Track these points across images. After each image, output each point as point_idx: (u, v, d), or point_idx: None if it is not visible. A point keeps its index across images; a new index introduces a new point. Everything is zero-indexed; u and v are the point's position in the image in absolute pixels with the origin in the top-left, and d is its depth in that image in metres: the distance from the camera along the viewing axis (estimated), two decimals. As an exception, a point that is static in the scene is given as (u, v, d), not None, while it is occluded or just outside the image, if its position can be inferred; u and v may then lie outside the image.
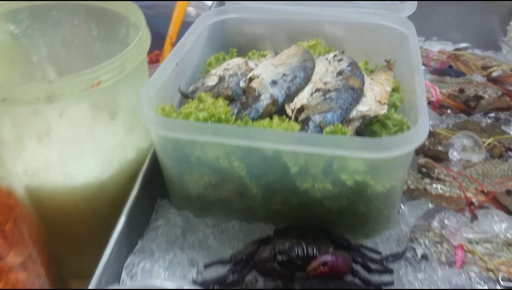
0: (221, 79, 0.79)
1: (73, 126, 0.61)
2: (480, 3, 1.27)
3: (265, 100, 0.71)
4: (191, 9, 1.30)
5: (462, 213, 0.75)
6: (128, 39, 0.78)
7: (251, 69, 0.83)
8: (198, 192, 0.71)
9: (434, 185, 0.77)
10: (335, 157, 0.60)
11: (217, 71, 0.83)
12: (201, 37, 0.89)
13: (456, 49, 1.09)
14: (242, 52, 0.96)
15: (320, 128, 0.66)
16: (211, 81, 0.80)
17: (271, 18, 0.93)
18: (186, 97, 0.77)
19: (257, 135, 0.60)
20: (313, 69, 0.81)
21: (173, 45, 1.22)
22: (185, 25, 1.23)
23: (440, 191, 0.76)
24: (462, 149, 0.83)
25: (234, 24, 0.94)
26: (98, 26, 0.80)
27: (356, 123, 0.70)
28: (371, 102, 0.73)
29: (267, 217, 0.71)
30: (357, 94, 0.72)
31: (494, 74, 1.01)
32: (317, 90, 0.74)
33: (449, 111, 0.93)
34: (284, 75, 0.75)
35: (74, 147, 0.62)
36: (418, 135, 0.58)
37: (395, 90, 0.84)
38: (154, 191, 0.77)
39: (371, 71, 0.91)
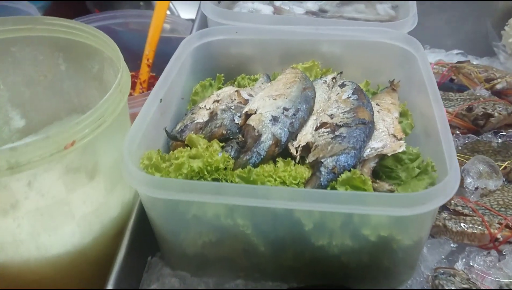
0: (212, 115, 0.70)
1: (44, 196, 0.51)
2: (472, 9, 1.21)
3: (266, 141, 0.62)
4: (165, 25, 1.20)
5: (488, 251, 0.68)
6: (103, 74, 0.68)
7: (245, 100, 0.74)
8: (196, 251, 0.62)
9: (454, 221, 0.70)
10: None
11: (207, 103, 0.74)
12: (185, 65, 0.79)
13: (459, 62, 1.02)
14: (230, 76, 0.87)
15: (334, 174, 0.58)
16: (201, 116, 0.71)
17: (261, 39, 0.84)
18: (174, 139, 0.68)
19: (266, 193, 0.51)
20: (314, 98, 0.72)
21: (150, 66, 1.12)
22: (162, 42, 1.13)
23: (461, 228, 0.69)
24: (479, 177, 0.76)
25: (220, 47, 0.85)
26: (66, 61, 0.69)
27: (372, 164, 0.62)
28: (384, 137, 0.65)
29: (277, 275, 0.63)
30: (369, 129, 0.64)
31: (498, 87, 0.95)
32: (323, 124, 0.66)
33: (457, 131, 0.87)
34: (285, 109, 0.67)
35: (47, 218, 0.52)
36: (450, 188, 0.50)
37: (403, 115, 0.77)
38: (143, 248, 0.68)
39: (373, 93, 0.83)
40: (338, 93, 0.73)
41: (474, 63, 1.14)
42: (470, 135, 0.87)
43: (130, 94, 1.15)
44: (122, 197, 0.63)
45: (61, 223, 0.55)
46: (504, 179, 0.78)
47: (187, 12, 1.52)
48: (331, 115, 0.67)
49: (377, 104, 0.75)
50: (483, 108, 0.87)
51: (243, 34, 0.83)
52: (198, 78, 0.84)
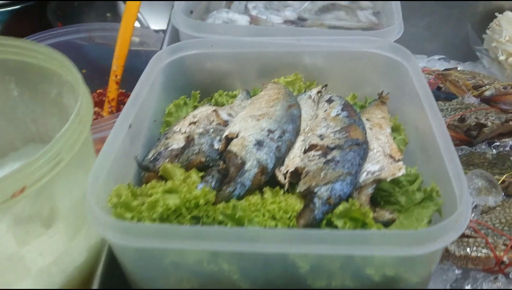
0: (189, 140, 0.63)
1: (-9, 251, 0.42)
2: (452, 12, 1.18)
3: (251, 170, 0.55)
4: (134, 38, 1.11)
5: (495, 276, 0.63)
6: (62, 99, 0.60)
7: (225, 122, 0.67)
8: (176, 298, 0.54)
9: (456, 244, 0.65)
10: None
11: (182, 126, 0.67)
12: (156, 83, 0.72)
13: (446, 69, 0.98)
14: (207, 92, 0.80)
15: (329, 205, 0.51)
16: (176, 142, 0.64)
17: (238, 52, 0.77)
18: (146, 170, 0.60)
19: (255, 236, 0.44)
20: (300, 116, 0.66)
21: (118, 83, 1.03)
22: (131, 56, 1.05)
23: (465, 252, 0.64)
24: (478, 193, 0.71)
25: (194, 62, 0.78)
26: (19, 86, 0.61)
27: (369, 190, 0.55)
28: (381, 158, 0.59)
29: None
30: (364, 150, 0.58)
31: (487, 94, 0.91)
32: (313, 147, 0.59)
33: (450, 143, 0.82)
34: (270, 131, 0.60)
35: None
36: (463, 220, 0.45)
37: (395, 129, 0.71)
38: (115, 294, 0.59)
39: (362, 106, 0.77)
40: (326, 110, 0.67)
41: (459, 69, 1.11)
42: (464, 147, 0.82)
43: (98, 114, 1.07)
44: (88, 241, 0.55)
45: (15, 280, 0.46)
46: (503, 193, 0.74)
47: (157, 23, 1.44)
48: (321, 135, 0.61)
49: (367, 120, 0.69)
50: (476, 118, 0.82)
51: (219, 47, 0.77)
52: (171, 97, 0.76)
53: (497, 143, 0.82)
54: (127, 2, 1.03)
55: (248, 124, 0.61)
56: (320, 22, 0.93)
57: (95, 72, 1.12)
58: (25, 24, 1.36)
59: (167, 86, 0.75)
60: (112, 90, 1.03)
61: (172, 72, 0.76)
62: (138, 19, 1.38)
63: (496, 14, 1.16)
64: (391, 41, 0.76)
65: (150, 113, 0.70)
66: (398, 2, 0.84)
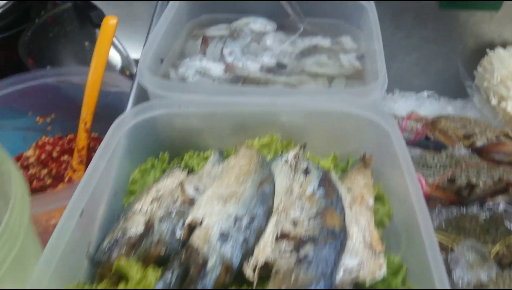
0: (148, 225, 0.57)
1: None
2: (441, 48, 1.12)
3: (214, 270, 0.49)
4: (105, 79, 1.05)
5: None
6: None
7: (190, 200, 0.61)
8: None
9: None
10: None
11: (143, 204, 0.61)
12: (117, 151, 0.66)
13: (435, 118, 0.93)
14: (177, 152, 0.74)
15: (300, 318, 0.45)
16: (135, 226, 0.57)
17: (210, 111, 0.71)
18: (98, 265, 0.54)
19: None
20: (274, 192, 0.60)
21: (88, 131, 0.97)
22: (102, 95, 0.98)
23: None
24: (469, 268, 0.66)
25: (162, 122, 0.72)
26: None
27: (347, 292, 0.49)
28: (360, 248, 0.53)
29: None
30: (341, 243, 0.52)
31: (479, 144, 0.85)
32: (285, 236, 0.53)
33: (439, 204, 0.76)
34: (236, 218, 0.54)
35: None
36: None
37: (378, 199, 0.66)
38: None
39: (343, 170, 0.72)
40: (302, 184, 0.61)
41: (449, 110, 1.06)
42: (454, 208, 0.77)
43: (68, 163, 1.01)
44: None
45: None
46: (497, 265, 0.68)
47: (137, 51, 1.38)
48: (294, 220, 0.55)
49: (348, 189, 0.64)
50: (467, 176, 0.77)
51: (188, 107, 0.71)
52: (136, 163, 0.70)
53: (490, 204, 0.76)
54: (99, 37, 0.97)
55: (213, 208, 0.55)
56: (300, 69, 0.88)
57: (68, 115, 1.06)
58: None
59: (131, 151, 0.69)
60: (82, 139, 0.97)
61: (137, 135, 0.70)
62: (115, 46, 1.32)
63: (487, 50, 1.11)
64: (372, 100, 0.70)
65: (109, 186, 0.64)
66: (381, 47, 0.78)
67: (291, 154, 0.68)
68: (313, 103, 0.69)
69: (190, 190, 0.62)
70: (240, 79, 0.83)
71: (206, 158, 0.72)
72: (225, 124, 0.73)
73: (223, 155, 0.73)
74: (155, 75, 0.77)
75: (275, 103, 0.69)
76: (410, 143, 0.91)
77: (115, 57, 1.37)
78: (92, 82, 0.93)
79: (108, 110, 0.92)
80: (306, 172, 0.63)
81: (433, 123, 0.89)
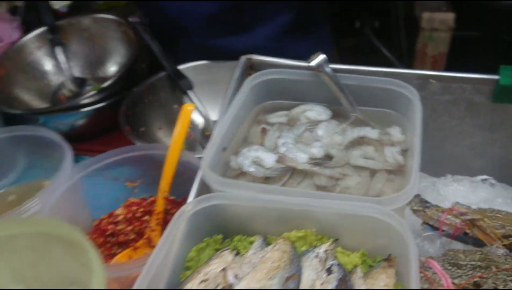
0: (194, 307, 0.71)
1: None
2: (497, 135, 1.15)
3: None
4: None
5: None
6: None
7: (229, 285, 0.74)
8: None
9: None
10: None
11: (193, 285, 0.76)
12: (177, 234, 0.82)
13: (480, 211, 0.96)
14: (229, 236, 0.88)
15: None
16: (184, 307, 0.72)
17: (257, 206, 0.84)
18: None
19: None
20: (297, 286, 0.71)
21: (165, 198, 1.16)
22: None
23: None
24: None
25: (219, 210, 0.86)
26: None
27: None
28: None
29: None
30: None
31: (517, 245, 0.88)
32: (298, 332, 0.64)
33: (464, 306, 0.81)
34: (260, 312, 0.66)
35: None
36: None
37: (396, 299, 0.74)
38: None
39: (370, 266, 0.80)
40: (323, 283, 0.72)
41: (499, 202, 1.07)
42: (479, 312, 0.80)
43: (148, 222, 1.19)
44: None
45: None
46: None
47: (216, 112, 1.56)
48: (309, 318, 0.66)
49: (370, 285, 0.72)
50: (494, 282, 0.80)
51: (240, 201, 0.85)
52: (194, 243, 0.86)
53: (517, 313, 0.79)
54: (178, 119, 1.15)
55: (244, 298, 0.68)
56: (345, 161, 0.98)
57: (151, 181, 1.25)
58: (104, 119, 1.56)
59: (190, 233, 0.85)
60: (160, 205, 1.16)
61: (197, 220, 0.85)
62: (198, 110, 1.51)
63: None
64: (389, 210, 0.78)
65: (170, 264, 0.80)
66: (418, 158, 0.85)
67: (322, 249, 0.79)
68: (342, 205, 0.79)
69: (230, 277, 0.75)
70: (288, 171, 0.96)
71: (251, 242, 0.86)
72: (269, 216, 0.86)
73: (266, 242, 0.85)
74: (217, 166, 0.93)
75: (309, 203, 0.80)
76: (451, 237, 0.95)
77: (198, 119, 1.58)
78: (170, 160, 1.12)
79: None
80: (329, 271, 0.74)
81: (472, 221, 0.93)
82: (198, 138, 1.51)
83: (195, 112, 1.57)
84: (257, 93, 1.12)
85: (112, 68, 1.83)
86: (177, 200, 1.22)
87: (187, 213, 0.84)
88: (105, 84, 1.53)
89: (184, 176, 1.09)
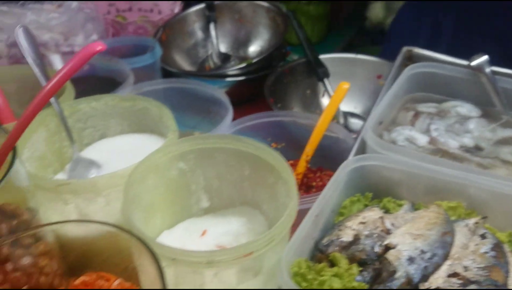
0: (356, 237, 0.82)
1: (221, 284, 0.68)
2: None
3: (400, 279, 0.72)
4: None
5: None
6: (276, 186, 0.85)
7: (387, 230, 0.84)
8: None
9: None
10: None
11: (353, 224, 0.86)
12: (340, 183, 0.93)
13: None
14: (377, 196, 0.98)
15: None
16: (346, 236, 0.83)
17: (410, 171, 0.93)
18: (321, 252, 0.81)
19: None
20: (452, 244, 0.80)
21: (307, 162, 1.29)
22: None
23: None
24: None
25: (372, 170, 0.97)
26: (250, 169, 0.89)
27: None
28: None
29: None
30: (500, 293, 0.69)
31: None
32: (456, 275, 0.73)
33: None
34: (422, 251, 0.76)
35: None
36: None
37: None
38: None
39: (517, 245, 0.86)
40: (477, 244, 0.79)
41: None
42: None
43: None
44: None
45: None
46: None
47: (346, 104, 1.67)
48: (466, 267, 0.74)
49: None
50: None
51: (396, 165, 0.95)
52: (348, 194, 0.97)
53: None
54: (334, 95, 1.27)
55: (405, 240, 0.78)
56: (495, 155, 1.03)
57: (291, 146, 1.39)
58: (245, 91, 1.74)
59: (348, 186, 0.96)
60: (301, 166, 1.29)
61: (354, 176, 0.96)
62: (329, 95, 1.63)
63: None
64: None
65: (330, 206, 0.92)
66: None
67: (472, 221, 0.86)
68: (498, 185, 0.86)
69: (388, 224, 0.85)
70: (439, 152, 1.04)
71: (399, 205, 0.95)
72: (420, 185, 0.94)
73: (413, 208, 0.94)
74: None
75: (466, 177, 0.88)
76: None
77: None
78: (320, 127, 1.24)
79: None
80: (483, 237, 0.81)
81: None
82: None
83: (327, 98, 1.70)
84: (412, 83, 1.20)
85: (253, 49, 2.01)
86: (312, 168, 1.35)
87: (348, 167, 0.95)
88: (255, 60, 1.71)
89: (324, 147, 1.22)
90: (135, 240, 0.60)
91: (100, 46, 0.62)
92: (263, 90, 1.60)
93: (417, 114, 1.15)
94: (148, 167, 0.81)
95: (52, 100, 0.93)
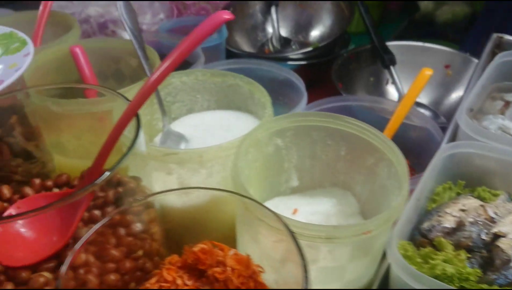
0: (459, 224, 0.80)
1: (334, 261, 0.68)
2: None
3: (515, 268, 0.70)
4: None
5: None
6: (376, 168, 0.83)
7: (491, 219, 0.82)
8: None
9: None
10: None
11: (453, 211, 0.84)
12: (436, 169, 0.91)
13: None
14: (470, 185, 0.95)
15: None
16: (448, 222, 0.81)
17: (505, 159, 0.90)
18: (423, 236, 0.80)
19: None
20: None
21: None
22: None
23: None
24: None
25: (466, 158, 0.94)
26: (347, 149, 0.87)
27: None
28: None
29: None
30: None
31: None
32: None
33: None
34: (535, 242, 0.73)
35: (326, 276, 0.70)
36: None
37: None
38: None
39: None
40: None
41: None
42: None
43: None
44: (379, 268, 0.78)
45: (330, 282, 0.71)
46: None
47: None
48: None
49: None
50: None
51: (490, 152, 0.91)
52: (442, 181, 0.94)
53: None
54: (415, 81, 1.24)
55: (516, 229, 0.75)
56: None
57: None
58: (307, 75, 1.72)
59: (442, 172, 0.94)
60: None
61: (448, 162, 0.94)
62: (395, 84, 1.60)
63: None
64: None
65: (426, 191, 0.90)
66: None
67: None
68: None
69: (491, 212, 0.83)
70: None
71: (495, 195, 0.92)
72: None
73: (510, 198, 0.91)
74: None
75: None
76: None
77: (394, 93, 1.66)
78: (401, 112, 1.21)
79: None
80: None
81: None
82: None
83: (392, 86, 1.66)
84: (499, 71, 1.16)
85: (314, 34, 1.98)
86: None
87: (443, 154, 0.92)
88: (321, 44, 1.68)
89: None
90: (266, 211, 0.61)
91: (227, 15, 0.61)
92: (322, 76, 1.59)
93: (507, 104, 1.11)
94: (251, 142, 0.81)
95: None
